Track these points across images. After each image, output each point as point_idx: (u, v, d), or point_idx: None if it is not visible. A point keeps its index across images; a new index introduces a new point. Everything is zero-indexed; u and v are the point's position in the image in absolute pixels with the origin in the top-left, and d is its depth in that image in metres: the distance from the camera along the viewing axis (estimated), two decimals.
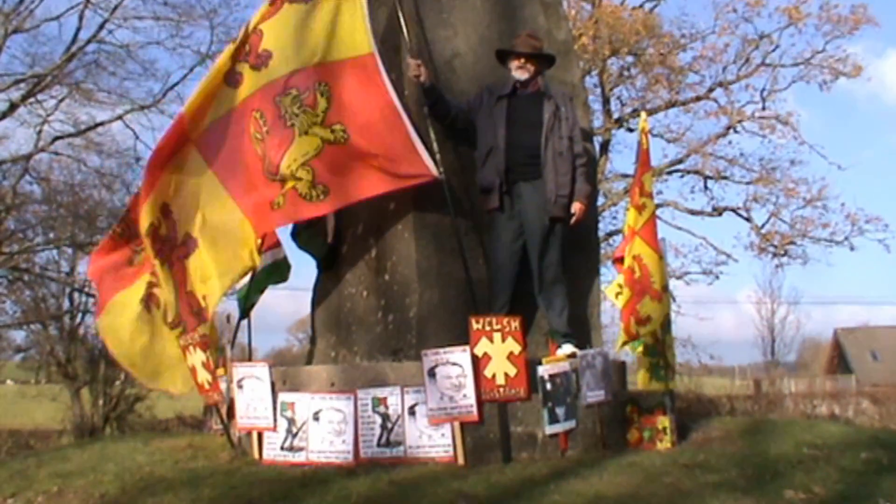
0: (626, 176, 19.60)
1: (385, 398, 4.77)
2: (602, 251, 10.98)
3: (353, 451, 4.76)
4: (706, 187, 20.56)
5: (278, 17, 5.23)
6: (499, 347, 4.71)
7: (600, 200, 17.63)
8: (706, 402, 16.44)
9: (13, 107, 16.63)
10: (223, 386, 5.45)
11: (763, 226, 20.12)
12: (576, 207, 5.28)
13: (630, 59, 19.29)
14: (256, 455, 5.04)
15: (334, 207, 5.24)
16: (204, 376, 5.43)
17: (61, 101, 17.41)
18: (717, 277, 20.05)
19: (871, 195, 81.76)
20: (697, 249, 20.83)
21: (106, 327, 6.12)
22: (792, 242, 19.85)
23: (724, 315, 75.08)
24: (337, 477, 4.46)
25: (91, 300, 16.27)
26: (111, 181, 17.69)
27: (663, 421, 5.25)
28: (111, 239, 6.22)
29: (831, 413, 17.33)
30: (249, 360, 6.19)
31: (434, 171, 4.92)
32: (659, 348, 5.57)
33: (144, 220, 5.51)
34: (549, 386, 4.84)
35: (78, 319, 17.69)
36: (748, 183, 20.08)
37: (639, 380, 5.67)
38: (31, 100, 17.00)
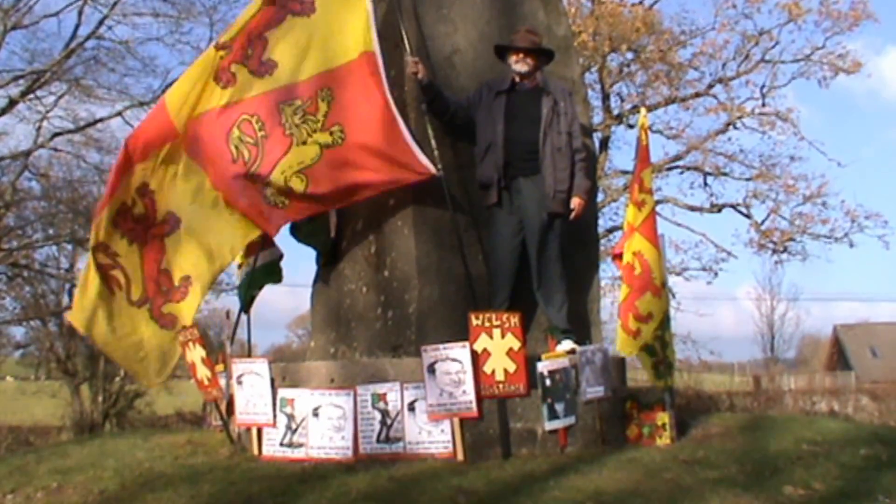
0: (625, 172, 19.58)
1: (384, 394, 4.77)
2: (602, 247, 10.97)
3: (352, 448, 4.76)
4: (706, 184, 20.60)
5: (285, 29, 5.24)
6: (498, 343, 4.71)
7: (600, 197, 17.64)
8: (706, 398, 16.43)
9: (12, 103, 16.61)
10: (222, 382, 5.46)
11: (763, 222, 20.15)
12: (575, 202, 5.27)
13: (630, 55, 19.25)
14: (256, 451, 5.04)
15: (331, 208, 5.27)
16: (203, 372, 5.43)
17: (61, 97, 17.40)
18: (717, 274, 20.06)
19: (871, 191, 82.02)
20: (697, 246, 20.98)
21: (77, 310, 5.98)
22: (791, 239, 19.85)
23: (724, 311, 75.43)
24: (336, 473, 4.46)
25: None
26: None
27: (663, 417, 5.26)
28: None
29: (831, 409, 17.34)
30: (249, 356, 6.18)
31: (431, 168, 4.91)
32: (658, 345, 5.57)
33: (115, 201, 5.51)
34: (548, 382, 4.84)
35: None
36: (748, 179, 20.11)
37: (648, 377, 5.68)
38: (31, 96, 16.97)
